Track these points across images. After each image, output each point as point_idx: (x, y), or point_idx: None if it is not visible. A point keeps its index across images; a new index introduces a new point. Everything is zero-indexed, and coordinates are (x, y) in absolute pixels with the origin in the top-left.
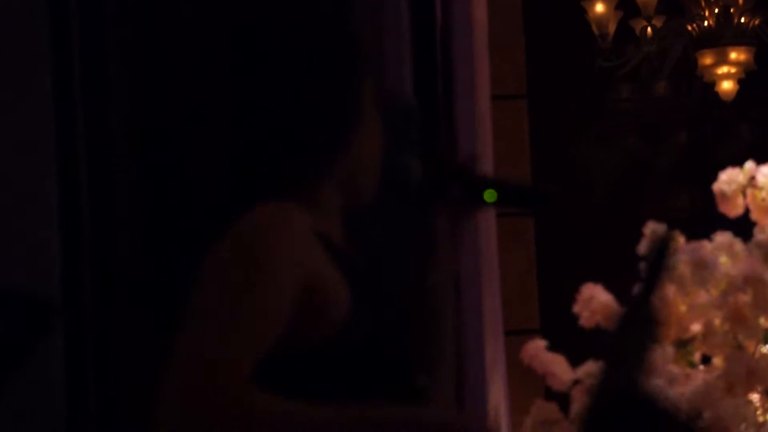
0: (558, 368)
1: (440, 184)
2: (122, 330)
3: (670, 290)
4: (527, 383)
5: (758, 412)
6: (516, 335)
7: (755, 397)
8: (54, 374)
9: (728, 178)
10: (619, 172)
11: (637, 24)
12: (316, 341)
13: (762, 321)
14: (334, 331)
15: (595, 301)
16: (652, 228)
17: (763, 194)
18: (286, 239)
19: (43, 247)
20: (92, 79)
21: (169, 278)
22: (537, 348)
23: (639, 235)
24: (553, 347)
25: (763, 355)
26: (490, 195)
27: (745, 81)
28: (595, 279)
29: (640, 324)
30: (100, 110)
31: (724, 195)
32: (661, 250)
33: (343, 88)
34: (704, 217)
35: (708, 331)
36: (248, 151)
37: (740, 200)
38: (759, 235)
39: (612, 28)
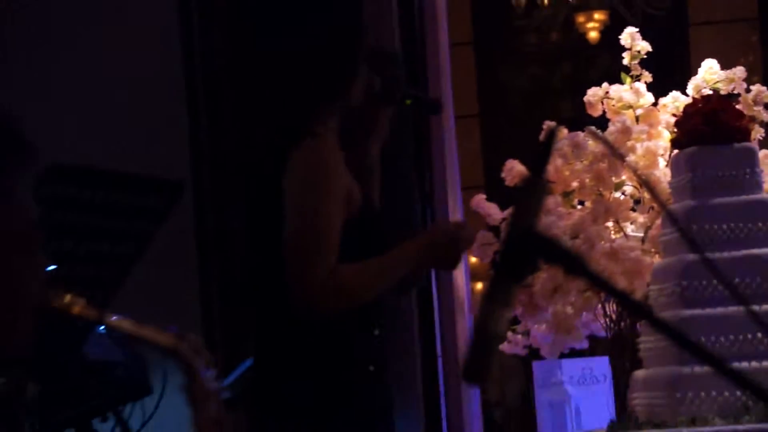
0: (493, 211)
1: (392, 92)
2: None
3: (559, 162)
4: (476, 221)
5: (612, 234)
6: (468, 190)
7: (610, 224)
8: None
9: (592, 93)
10: (529, 89)
11: None
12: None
13: (613, 179)
14: (356, 213)
15: (514, 170)
16: (547, 123)
17: (613, 102)
18: (333, 158)
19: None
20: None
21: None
22: (480, 199)
23: (541, 128)
24: (490, 198)
25: (615, 199)
26: (408, 102)
27: (603, 32)
28: (515, 157)
29: (536, 184)
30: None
31: (590, 103)
32: (550, 137)
33: (346, 52)
34: (579, 117)
35: (581, 185)
36: (288, 106)
37: (600, 106)
38: (611, 128)
39: (523, 1)
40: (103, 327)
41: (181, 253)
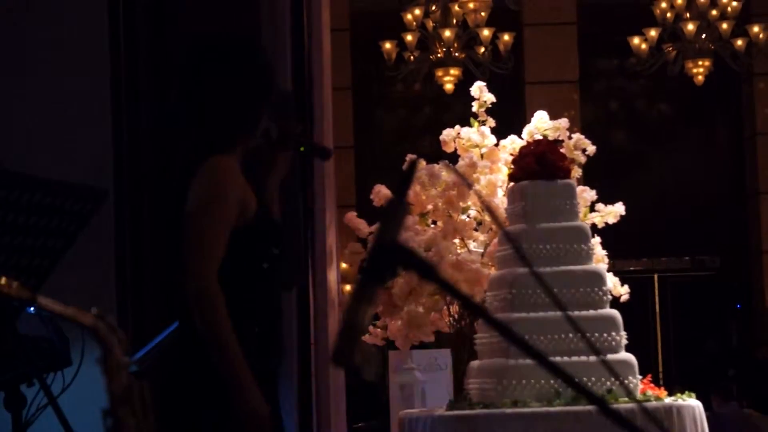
0: (362, 226)
1: (288, 139)
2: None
3: (418, 188)
4: (348, 234)
5: (458, 248)
6: (342, 208)
7: (457, 241)
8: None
9: (447, 133)
10: (396, 127)
11: (405, 55)
12: (240, 226)
13: (461, 204)
14: (250, 221)
15: (381, 193)
16: (409, 156)
17: (464, 141)
18: (231, 174)
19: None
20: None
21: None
22: (352, 216)
23: (405, 159)
24: (360, 215)
25: (462, 221)
26: (302, 149)
27: (457, 84)
28: (382, 182)
29: (398, 205)
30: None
31: (445, 141)
32: (411, 167)
33: (257, 97)
34: (436, 153)
35: (435, 208)
36: (205, 131)
37: (453, 144)
38: (461, 162)
39: (393, 56)
40: (33, 307)
41: (102, 249)
